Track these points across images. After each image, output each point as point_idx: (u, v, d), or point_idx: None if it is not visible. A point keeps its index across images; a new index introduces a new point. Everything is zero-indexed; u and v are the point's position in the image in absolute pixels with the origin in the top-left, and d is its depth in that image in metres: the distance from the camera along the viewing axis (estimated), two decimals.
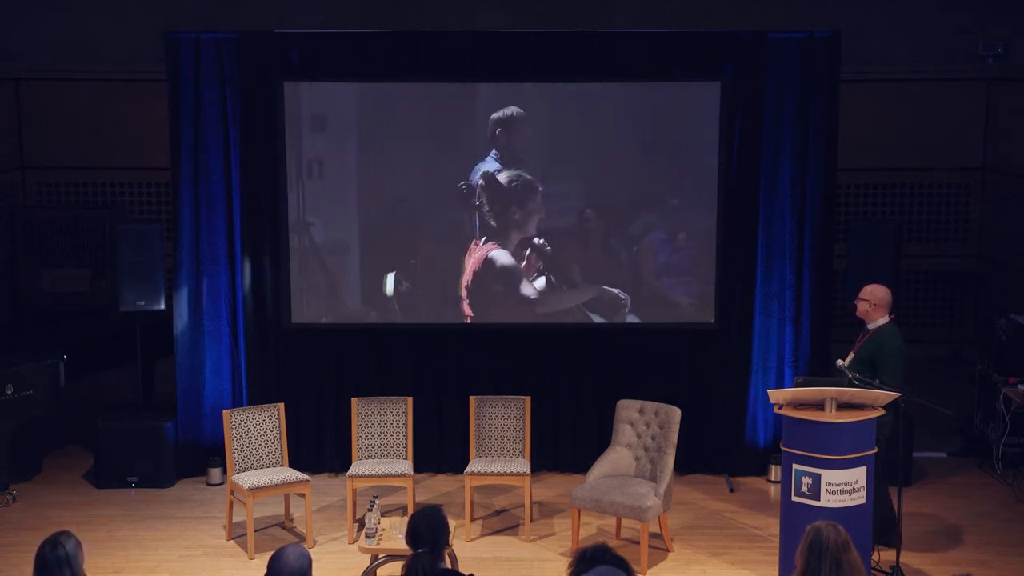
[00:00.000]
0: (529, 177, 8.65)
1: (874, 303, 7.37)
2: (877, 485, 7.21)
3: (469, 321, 8.81)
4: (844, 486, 6.58)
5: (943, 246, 12.09)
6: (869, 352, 7.27)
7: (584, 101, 8.68)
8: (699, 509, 8.35)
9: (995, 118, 11.74)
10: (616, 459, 7.79)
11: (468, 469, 7.91)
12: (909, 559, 7.31)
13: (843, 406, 6.79)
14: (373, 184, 8.75)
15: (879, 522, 7.31)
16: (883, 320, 7.36)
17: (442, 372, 8.95)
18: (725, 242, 8.73)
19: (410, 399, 8.13)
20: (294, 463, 8.13)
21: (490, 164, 8.63)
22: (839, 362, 7.22)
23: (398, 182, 8.73)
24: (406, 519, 6.27)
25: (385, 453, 8.09)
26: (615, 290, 8.74)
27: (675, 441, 7.60)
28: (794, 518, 6.58)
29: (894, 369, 7.15)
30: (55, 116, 11.83)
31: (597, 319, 8.79)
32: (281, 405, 8.07)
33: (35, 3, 11.57)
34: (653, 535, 7.50)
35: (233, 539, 7.79)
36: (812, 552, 4.71)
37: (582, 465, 8.25)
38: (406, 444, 8.07)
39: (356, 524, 7.82)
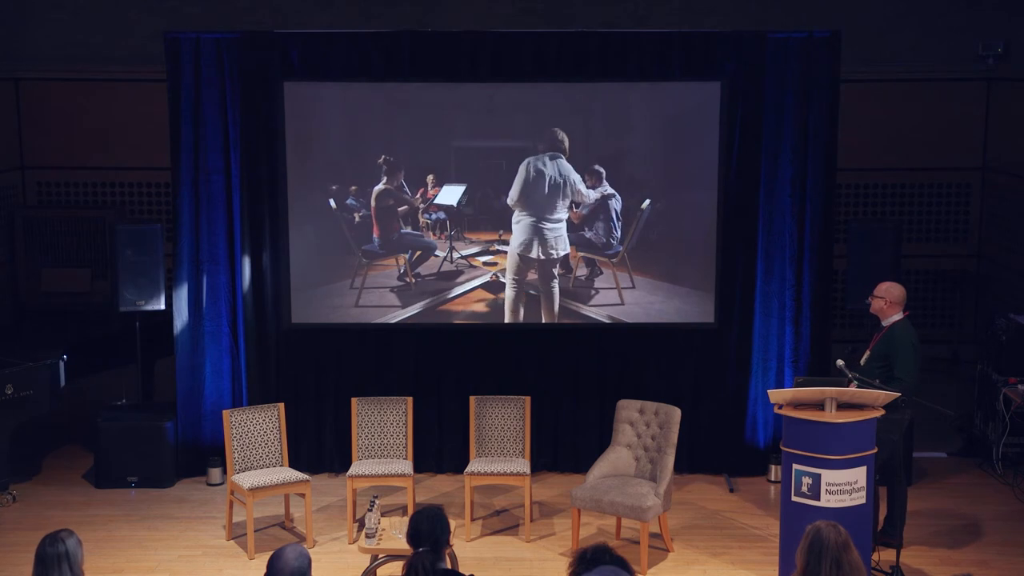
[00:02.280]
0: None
1: (889, 300, 7.39)
2: (892, 484, 7.23)
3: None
4: (844, 486, 6.57)
5: (943, 246, 12.08)
6: (883, 348, 7.30)
7: (584, 101, 8.67)
8: (699, 509, 8.35)
9: (995, 118, 11.74)
10: (616, 459, 7.79)
11: (468, 469, 7.91)
12: (909, 559, 7.31)
13: (843, 406, 6.79)
14: (372, 184, 8.74)
15: (890, 520, 7.33)
16: (897, 317, 7.38)
17: (442, 372, 8.95)
18: (725, 242, 8.73)
19: (410, 399, 8.13)
20: (294, 463, 8.13)
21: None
22: (839, 362, 7.21)
23: (397, 179, 8.73)
24: (406, 519, 6.28)
25: (385, 453, 8.09)
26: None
27: (675, 441, 7.60)
28: (794, 518, 6.58)
29: (907, 362, 7.17)
30: (55, 116, 11.83)
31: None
32: (281, 405, 8.07)
33: (35, 3, 11.57)
34: (653, 535, 7.50)
35: (233, 539, 7.79)
36: (812, 552, 4.71)
37: (582, 465, 8.27)
38: (406, 444, 8.07)
39: (356, 524, 7.82)
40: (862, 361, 7.35)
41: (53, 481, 8.85)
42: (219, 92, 8.59)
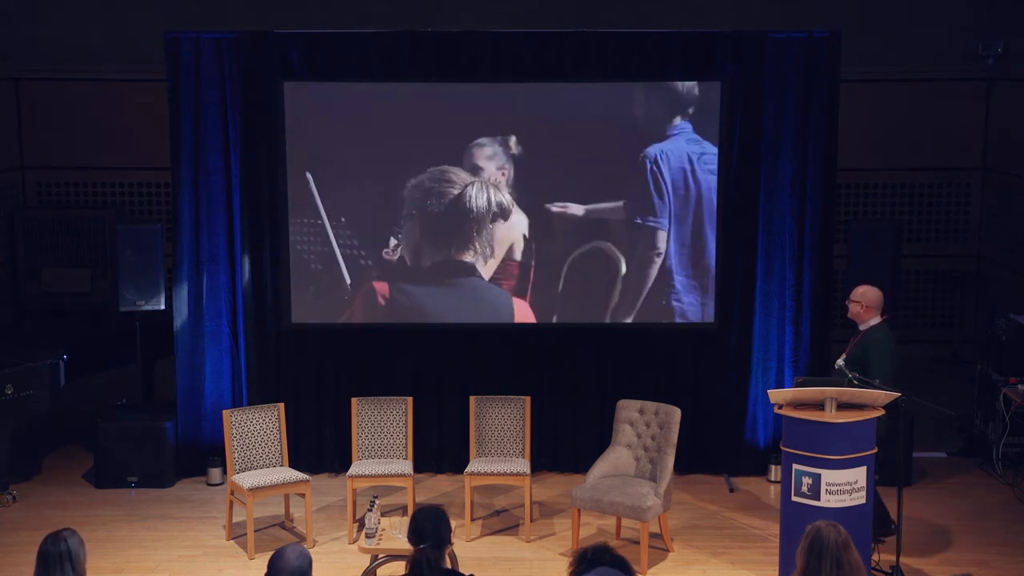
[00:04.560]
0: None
1: (866, 305, 7.38)
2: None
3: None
4: (844, 486, 6.57)
5: (943, 246, 12.09)
6: (860, 352, 7.27)
7: (585, 101, 8.67)
8: (699, 509, 8.35)
9: (995, 118, 11.75)
10: (616, 459, 7.79)
11: (468, 469, 7.91)
12: (909, 559, 7.31)
13: (843, 406, 6.79)
14: (372, 183, 8.74)
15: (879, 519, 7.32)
16: (875, 321, 7.37)
17: (442, 372, 8.95)
18: (725, 242, 8.73)
19: (410, 399, 8.13)
20: (294, 463, 8.13)
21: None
22: (839, 362, 7.22)
23: (398, 181, 8.72)
24: (406, 519, 6.29)
25: (385, 453, 8.09)
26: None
27: (675, 441, 7.60)
28: (794, 518, 6.58)
29: (885, 369, 7.13)
30: (55, 116, 11.83)
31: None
32: (281, 405, 8.07)
33: (35, 3, 11.57)
34: (653, 535, 7.49)
35: (233, 539, 7.79)
36: (812, 552, 4.72)
37: (582, 465, 8.26)
38: (406, 444, 8.07)
39: (356, 524, 7.82)
40: (836, 365, 7.33)
41: (53, 481, 8.85)
42: (219, 92, 8.59)
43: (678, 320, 8.81)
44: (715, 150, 8.63)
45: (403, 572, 5.02)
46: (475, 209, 8.67)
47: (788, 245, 8.68)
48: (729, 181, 8.68)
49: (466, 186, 8.66)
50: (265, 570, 4.76)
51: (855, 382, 6.96)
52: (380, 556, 6.74)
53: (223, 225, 8.72)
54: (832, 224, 8.80)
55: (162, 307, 8.77)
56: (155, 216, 11.82)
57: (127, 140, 11.73)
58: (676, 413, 7.66)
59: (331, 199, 8.72)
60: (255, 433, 7.88)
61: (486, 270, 8.74)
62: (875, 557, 6.99)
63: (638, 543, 7.34)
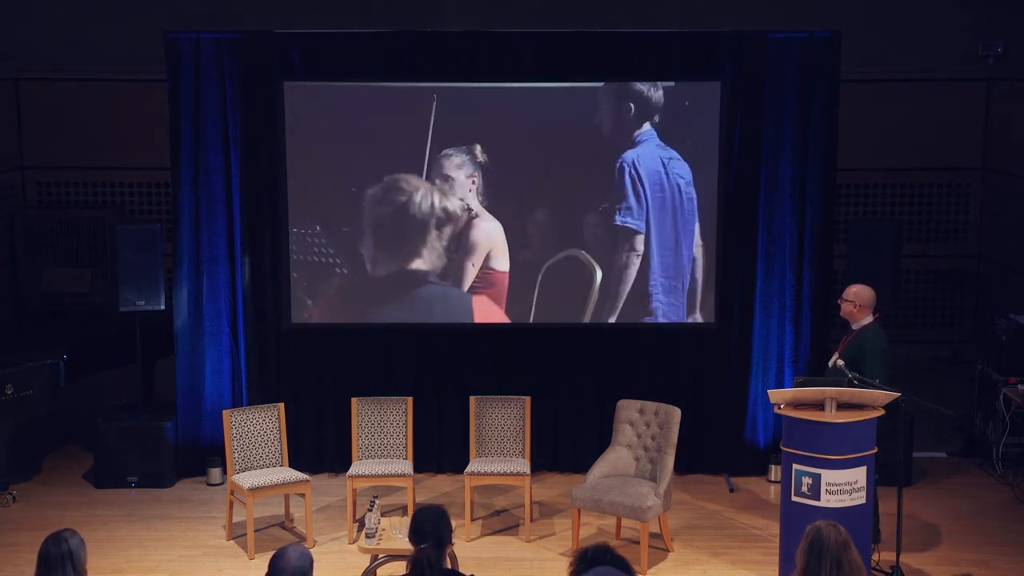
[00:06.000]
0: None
1: (859, 304, 7.38)
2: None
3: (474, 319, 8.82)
4: (844, 486, 6.58)
5: (943, 246, 12.09)
6: (853, 352, 7.27)
7: (585, 101, 8.67)
8: (699, 509, 8.35)
9: (995, 118, 11.75)
10: (616, 459, 7.79)
11: (468, 469, 7.91)
12: (909, 559, 7.31)
13: (843, 406, 6.79)
14: (373, 183, 8.74)
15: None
16: (867, 320, 7.37)
17: (442, 372, 8.95)
18: (725, 242, 8.73)
19: (410, 399, 8.13)
20: (294, 463, 8.13)
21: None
22: (839, 362, 7.21)
23: (398, 180, 8.72)
24: (406, 519, 6.29)
25: (385, 453, 8.09)
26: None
27: (675, 441, 7.60)
28: (794, 518, 6.58)
29: (877, 367, 7.14)
30: (55, 116, 11.83)
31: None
32: (281, 405, 8.07)
33: (35, 3, 11.57)
34: (653, 535, 7.50)
35: (233, 539, 7.79)
36: (812, 552, 4.72)
37: (582, 465, 8.26)
38: (406, 444, 8.07)
39: (356, 524, 7.83)
40: (830, 364, 7.34)
41: (53, 481, 8.85)
42: (219, 92, 8.59)
43: (661, 321, 8.78)
44: (681, 155, 8.62)
45: (403, 572, 5.02)
46: (427, 216, 8.69)
47: (788, 245, 8.68)
48: (729, 181, 8.68)
49: (414, 191, 8.67)
50: (266, 570, 4.76)
51: (855, 382, 6.96)
52: (380, 556, 6.74)
53: (223, 225, 8.72)
54: (832, 224, 8.80)
55: (162, 307, 8.77)
56: (155, 216, 11.82)
57: (127, 140, 11.73)
58: (676, 413, 7.66)
59: (328, 200, 8.72)
60: (255, 433, 7.88)
61: (465, 278, 8.78)
62: (875, 557, 7.00)
63: (638, 543, 7.34)
